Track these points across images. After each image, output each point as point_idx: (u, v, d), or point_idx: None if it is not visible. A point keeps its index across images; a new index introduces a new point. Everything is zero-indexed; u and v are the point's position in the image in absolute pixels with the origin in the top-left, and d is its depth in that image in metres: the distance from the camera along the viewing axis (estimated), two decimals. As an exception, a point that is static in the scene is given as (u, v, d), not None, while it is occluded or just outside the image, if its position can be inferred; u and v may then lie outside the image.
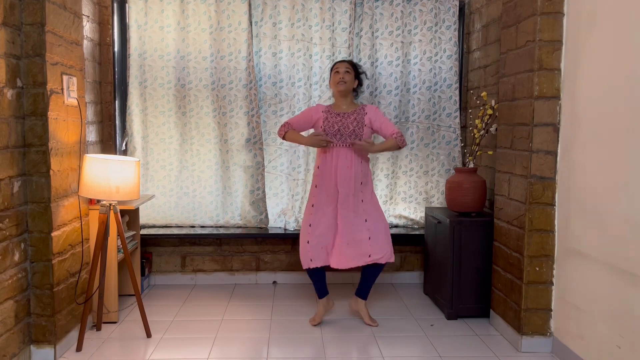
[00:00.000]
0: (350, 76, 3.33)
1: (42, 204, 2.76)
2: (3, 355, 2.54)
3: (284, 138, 3.35)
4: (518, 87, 3.05)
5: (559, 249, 2.90)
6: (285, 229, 4.16)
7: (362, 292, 3.41)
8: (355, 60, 3.55)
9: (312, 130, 3.42)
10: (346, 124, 3.27)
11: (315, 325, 3.37)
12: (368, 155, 3.37)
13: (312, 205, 3.31)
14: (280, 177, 4.21)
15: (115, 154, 4.02)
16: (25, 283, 2.75)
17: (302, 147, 4.12)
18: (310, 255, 3.29)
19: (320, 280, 3.39)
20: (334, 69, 3.37)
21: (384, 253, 3.27)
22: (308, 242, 3.29)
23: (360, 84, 3.43)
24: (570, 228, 2.79)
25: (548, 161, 2.91)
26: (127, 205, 3.39)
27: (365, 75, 3.52)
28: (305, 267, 3.33)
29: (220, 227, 4.18)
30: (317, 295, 3.43)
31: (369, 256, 3.24)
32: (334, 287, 4.05)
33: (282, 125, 3.35)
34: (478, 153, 3.73)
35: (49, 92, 2.74)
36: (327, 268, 3.37)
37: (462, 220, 3.48)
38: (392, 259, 3.30)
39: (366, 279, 3.37)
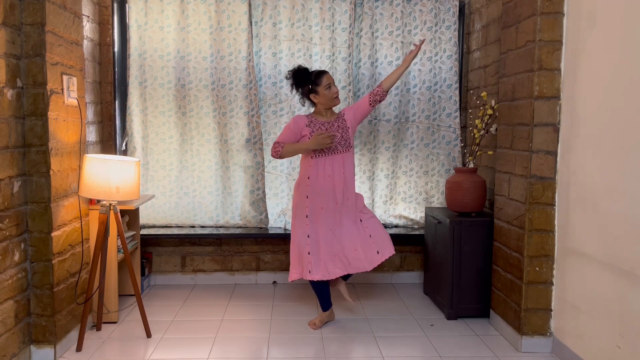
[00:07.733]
0: None
1: (42, 204, 2.76)
2: (3, 355, 2.54)
3: (280, 157, 3.23)
4: (518, 87, 3.05)
5: (559, 249, 2.90)
6: (285, 229, 4.15)
7: (346, 275, 3.43)
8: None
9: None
10: (333, 132, 3.23)
11: (315, 329, 3.35)
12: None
13: (307, 217, 3.25)
14: (280, 177, 4.21)
15: (115, 154, 4.02)
16: (25, 283, 2.75)
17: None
18: (309, 267, 3.24)
19: (324, 294, 3.38)
20: (322, 82, 3.20)
21: (387, 246, 3.29)
22: (309, 253, 3.24)
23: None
24: (570, 228, 2.79)
25: (548, 161, 2.91)
26: (127, 205, 3.39)
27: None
28: (303, 277, 3.26)
29: (220, 227, 4.18)
30: (321, 307, 3.42)
31: (377, 252, 3.26)
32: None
33: (273, 145, 3.22)
34: (478, 153, 3.73)
35: (49, 92, 2.74)
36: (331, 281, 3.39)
37: (462, 220, 3.48)
38: (394, 251, 3.31)
39: None
